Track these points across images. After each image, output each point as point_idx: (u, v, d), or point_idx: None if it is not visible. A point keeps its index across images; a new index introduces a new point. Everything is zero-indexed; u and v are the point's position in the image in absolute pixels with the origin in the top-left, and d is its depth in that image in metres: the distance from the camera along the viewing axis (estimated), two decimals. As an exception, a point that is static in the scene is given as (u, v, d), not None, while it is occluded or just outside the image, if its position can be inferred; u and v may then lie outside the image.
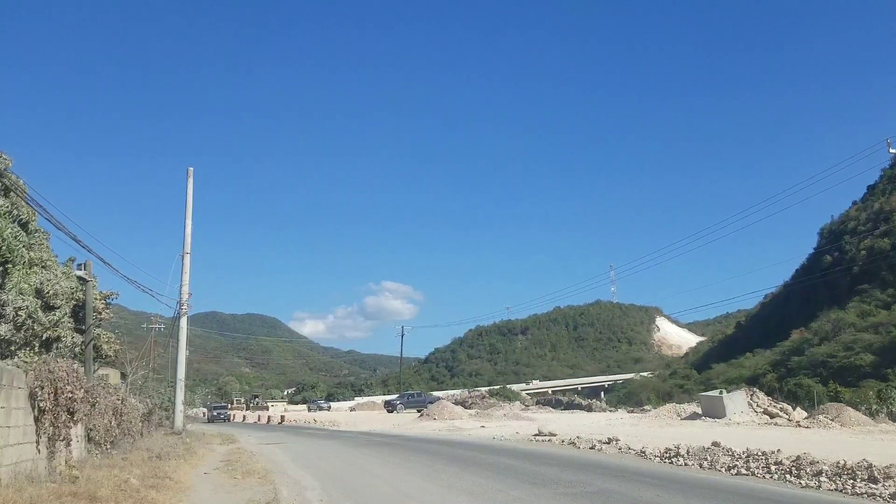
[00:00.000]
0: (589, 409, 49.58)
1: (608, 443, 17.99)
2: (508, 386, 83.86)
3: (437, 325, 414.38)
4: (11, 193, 13.52)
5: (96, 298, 15.35)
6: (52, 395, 10.08)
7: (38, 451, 9.91)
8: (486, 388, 75.58)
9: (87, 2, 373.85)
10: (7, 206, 13.40)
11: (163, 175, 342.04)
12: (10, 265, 12.10)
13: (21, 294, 12.55)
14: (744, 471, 11.99)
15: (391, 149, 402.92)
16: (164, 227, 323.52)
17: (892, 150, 31.80)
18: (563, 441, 20.04)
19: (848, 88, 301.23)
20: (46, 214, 13.24)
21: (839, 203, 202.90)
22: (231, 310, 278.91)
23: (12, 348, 12.29)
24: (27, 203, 13.75)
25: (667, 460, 14.20)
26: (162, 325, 51.62)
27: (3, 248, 11.71)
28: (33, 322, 12.95)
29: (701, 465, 13.15)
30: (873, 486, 9.77)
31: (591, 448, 17.63)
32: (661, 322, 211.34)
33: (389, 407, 56.20)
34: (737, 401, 29.41)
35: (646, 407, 44.68)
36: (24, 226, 14.15)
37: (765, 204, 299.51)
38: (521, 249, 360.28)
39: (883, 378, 52.09)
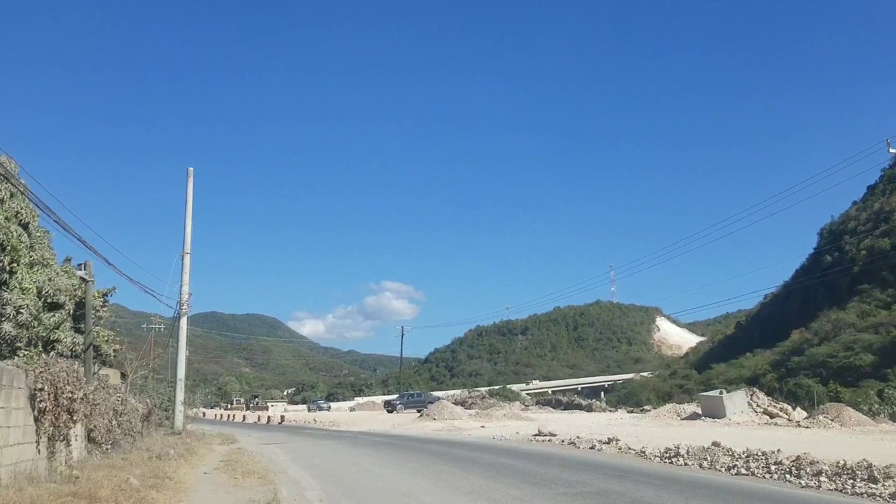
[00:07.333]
0: (589, 409, 49.55)
1: (608, 443, 17.99)
2: (508, 386, 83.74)
3: (437, 325, 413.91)
4: (15, 196, 13.53)
5: (94, 297, 15.31)
6: (52, 395, 10.08)
7: (38, 451, 9.92)
8: (486, 389, 75.46)
9: (87, 3, 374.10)
10: (14, 209, 13.43)
11: (163, 177, 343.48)
12: (14, 264, 12.13)
13: (23, 293, 12.56)
14: (744, 471, 11.99)
15: (392, 149, 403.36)
16: (164, 227, 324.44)
17: (892, 150, 31.75)
18: (563, 441, 20.05)
19: (848, 88, 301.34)
20: (54, 216, 13.29)
21: (839, 203, 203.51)
22: (231, 310, 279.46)
23: (18, 344, 12.30)
24: (35, 205, 13.76)
25: (667, 460, 14.21)
26: (162, 325, 51.60)
27: (8, 247, 11.74)
28: (36, 321, 12.96)
29: (701, 465, 13.16)
30: (873, 486, 9.78)
31: (591, 448, 17.64)
32: (661, 322, 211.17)
33: (389, 407, 56.17)
34: (737, 401, 29.39)
35: (646, 407, 44.64)
36: (25, 227, 14.15)
37: (765, 204, 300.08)
38: (521, 249, 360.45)
39: (883, 378, 52.09)
